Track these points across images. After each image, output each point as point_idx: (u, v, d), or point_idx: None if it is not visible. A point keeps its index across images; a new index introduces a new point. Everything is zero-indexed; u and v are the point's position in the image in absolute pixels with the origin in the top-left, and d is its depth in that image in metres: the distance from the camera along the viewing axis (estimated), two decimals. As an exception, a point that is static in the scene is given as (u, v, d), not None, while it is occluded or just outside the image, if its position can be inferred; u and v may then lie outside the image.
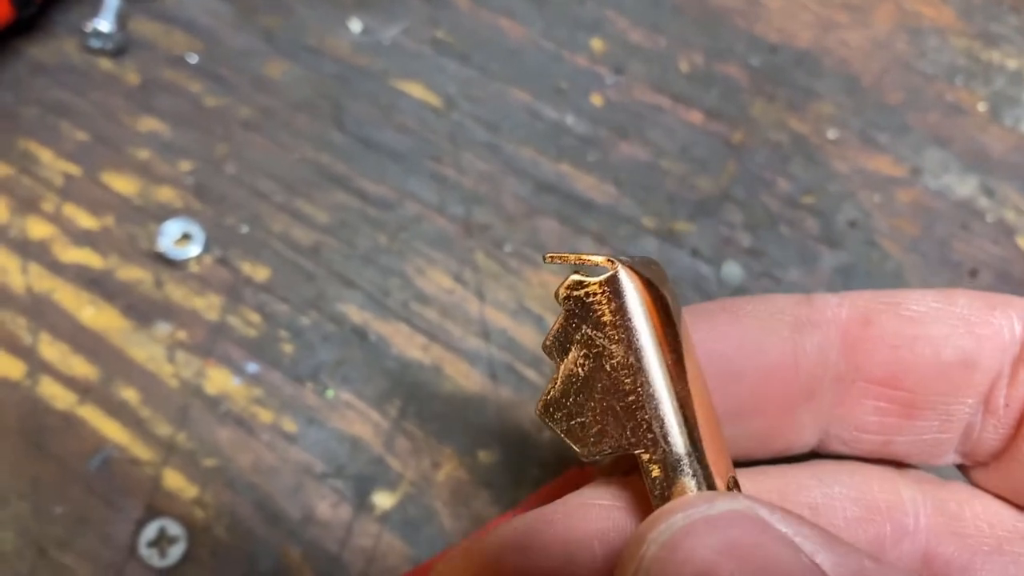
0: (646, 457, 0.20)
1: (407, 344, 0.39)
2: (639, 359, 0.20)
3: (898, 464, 0.24)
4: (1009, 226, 0.43)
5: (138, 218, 0.42)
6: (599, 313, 0.20)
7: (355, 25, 0.47)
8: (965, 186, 0.44)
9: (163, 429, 0.37)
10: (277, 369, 0.39)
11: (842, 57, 0.47)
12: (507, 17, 0.47)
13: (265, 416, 0.38)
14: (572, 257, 0.21)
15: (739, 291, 0.41)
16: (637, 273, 0.20)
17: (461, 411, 0.38)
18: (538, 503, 0.23)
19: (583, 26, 0.47)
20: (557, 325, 0.20)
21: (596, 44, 0.47)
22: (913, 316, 0.22)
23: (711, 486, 0.20)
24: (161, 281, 0.40)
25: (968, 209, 0.43)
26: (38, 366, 0.39)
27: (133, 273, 0.40)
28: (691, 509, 0.18)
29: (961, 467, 0.25)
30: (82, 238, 0.41)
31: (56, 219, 0.42)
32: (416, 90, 0.45)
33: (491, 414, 0.38)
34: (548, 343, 0.20)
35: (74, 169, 0.43)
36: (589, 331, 0.20)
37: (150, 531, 0.36)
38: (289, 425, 0.38)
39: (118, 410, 0.38)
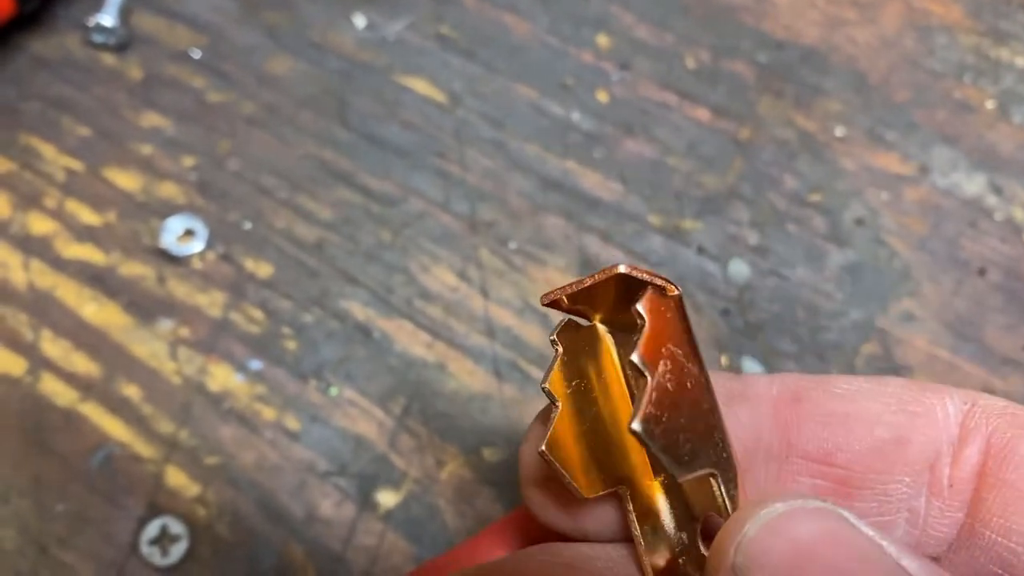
0: (720, 476, 0.20)
1: (411, 341, 0.39)
2: (707, 379, 0.20)
3: None
4: (1017, 224, 0.42)
5: (141, 214, 0.41)
6: (677, 330, 0.20)
7: (359, 21, 0.47)
8: (973, 184, 0.43)
9: (165, 426, 0.37)
10: (280, 366, 0.38)
11: (850, 54, 0.46)
12: (512, 13, 0.47)
13: (268, 413, 0.38)
14: (645, 272, 0.20)
15: (746, 289, 0.40)
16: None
17: (465, 409, 0.38)
18: (474, 549, 0.23)
19: (588, 22, 0.47)
20: (644, 338, 0.19)
21: (602, 40, 0.46)
22: (844, 394, 0.23)
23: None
24: (164, 277, 0.40)
25: (976, 207, 0.43)
26: (40, 363, 0.38)
27: (135, 269, 0.40)
28: (790, 500, 0.18)
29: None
30: (84, 234, 0.41)
31: (58, 215, 0.41)
32: (420, 86, 0.45)
33: (495, 412, 0.38)
34: (638, 357, 0.19)
35: (76, 165, 0.42)
36: (672, 348, 0.20)
37: (152, 529, 0.35)
38: (292, 423, 0.37)
39: (120, 407, 0.38)
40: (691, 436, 0.19)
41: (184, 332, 0.39)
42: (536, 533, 0.27)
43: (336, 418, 0.38)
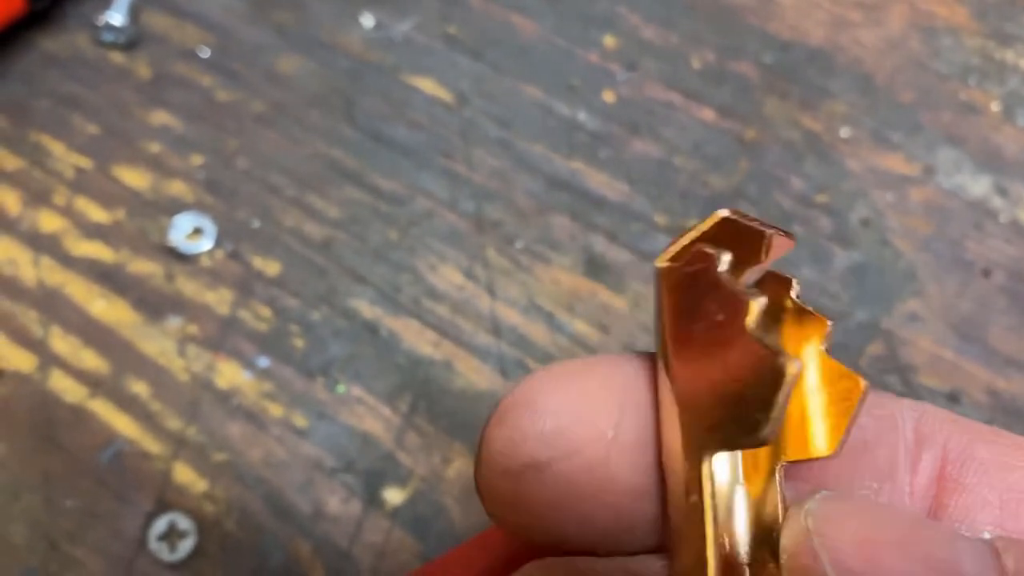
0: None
1: (418, 340, 0.39)
2: None
3: None
4: (1022, 226, 0.42)
5: (149, 212, 0.42)
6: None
7: (367, 20, 0.47)
8: (978, 186, 0.43)
9: (173, 423, 0.37)
10: (288, 364, 0.39)
11: (855, 55, 0.47)
12: (519, 13, 0.47)
13: (275, 411, 0.38)
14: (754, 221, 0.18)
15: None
16: None
17: (472, 407, 0.38)
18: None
19: (595, 22, 0.47)
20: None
21: (608, 40, 0.47)
22: None
23: None
24: (172, 275, 0.40)
25: (981, 209, 0.43)
26: (49, 359, 0.39)
27: (144, 267, 0.40)
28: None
29: None
30: (93, 231, 0.41)
31: (67, 212, 0.42)
32: (428, 86, 0.45)
33: (502, 410, 0.38)
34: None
35: (86, 162, 0.43)
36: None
37: (160, 525, 0.36)
38: (299, 420, 0.38)
39: (129, 404, 0.38)
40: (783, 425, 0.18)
41: (192, 329, 0.39)
42: (519, 546, 0.25)
43: (343, 415, 0.38)
